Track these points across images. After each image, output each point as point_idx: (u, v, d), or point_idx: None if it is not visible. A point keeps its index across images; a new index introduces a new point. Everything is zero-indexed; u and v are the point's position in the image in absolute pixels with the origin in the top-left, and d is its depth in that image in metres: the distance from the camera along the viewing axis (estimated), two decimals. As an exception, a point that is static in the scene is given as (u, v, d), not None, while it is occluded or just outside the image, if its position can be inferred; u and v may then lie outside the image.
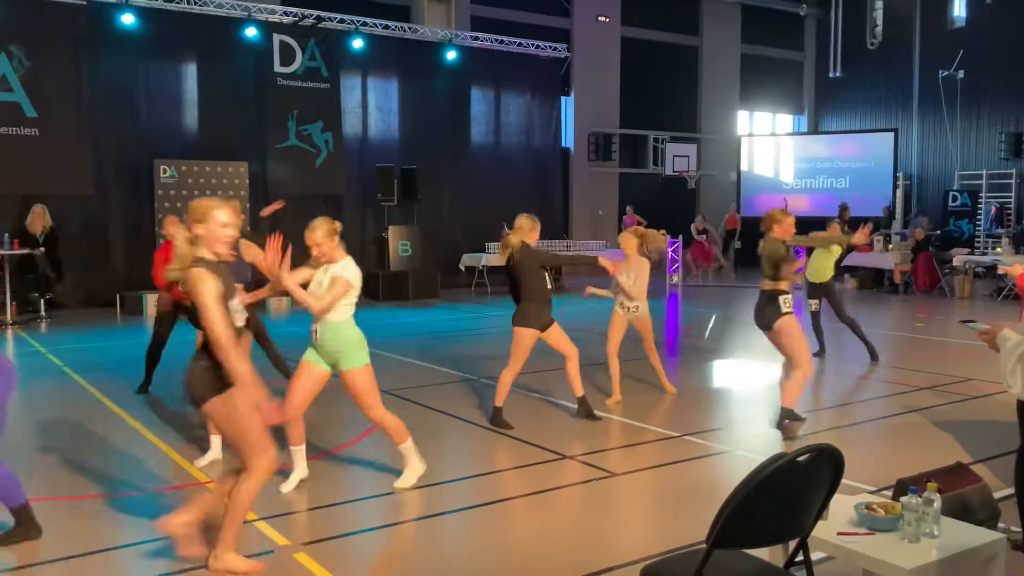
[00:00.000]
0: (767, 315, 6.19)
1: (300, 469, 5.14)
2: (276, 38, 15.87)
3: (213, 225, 3.78)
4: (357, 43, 16.80)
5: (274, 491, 5.02)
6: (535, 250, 6.46)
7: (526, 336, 6.34)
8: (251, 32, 15.62)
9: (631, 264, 7.20)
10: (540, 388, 7.80)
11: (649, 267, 7.29)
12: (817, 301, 9.43)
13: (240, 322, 3.87)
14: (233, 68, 15.72)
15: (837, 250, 9.28)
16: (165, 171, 14.37)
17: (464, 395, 7.62)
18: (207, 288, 3.64)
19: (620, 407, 7.12)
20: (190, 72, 15.53)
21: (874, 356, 9.15)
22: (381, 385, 7.89)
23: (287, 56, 16.00)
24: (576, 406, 6.78)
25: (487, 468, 5.54)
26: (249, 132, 15.70)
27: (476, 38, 18.48)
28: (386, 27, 17.23)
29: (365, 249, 17.14)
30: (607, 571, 3.90)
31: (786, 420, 6.20)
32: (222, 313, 3.66)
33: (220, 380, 3.72)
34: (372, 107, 17.54)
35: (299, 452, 5.15)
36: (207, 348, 3.75)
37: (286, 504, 4.81)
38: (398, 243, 16.22)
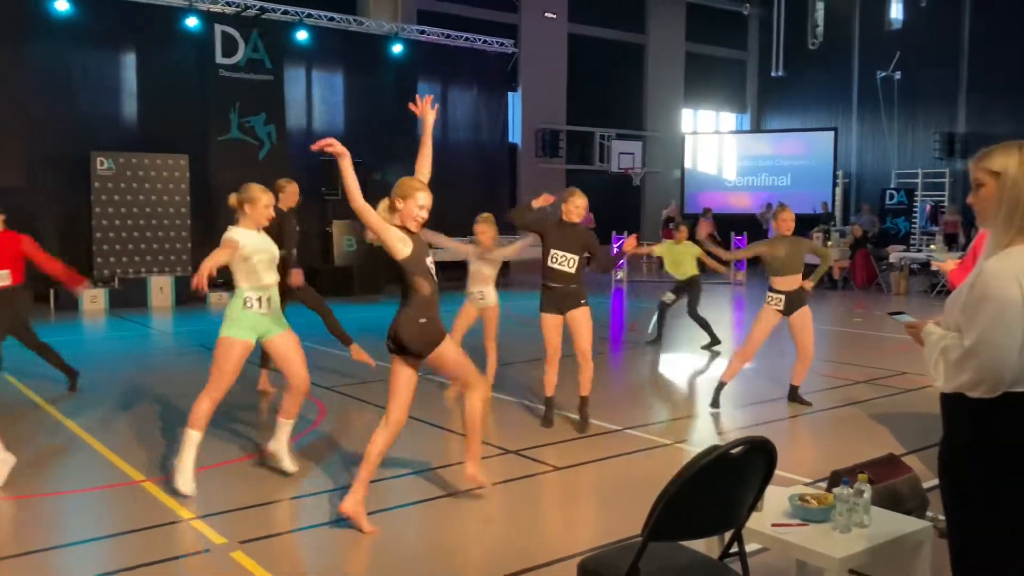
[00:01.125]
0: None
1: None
2: (218, 28, 15.57)
3: (412, 204, 4.33)
4: (301, 35, 16.59)
5: (209, 488, 4.94)
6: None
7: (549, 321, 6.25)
8: (192, 22, 15.30)
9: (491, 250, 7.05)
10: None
11: (498, 263, 7.14)
12: (674, 296, 10.17)
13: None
14: (173, 58, 15.39)
15: (696, 250, 9.96)
16: (102, 163, 14.02)
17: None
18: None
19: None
20: (128, 62, 15.17)
21: (715, 341, 9.82)
22: (323, 381, 7.85)
23: (229, 47, 15.71)
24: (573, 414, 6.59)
25: (428, 464, 5.51)
26: (190, 124, 15.38)
27: (423, 32, 18.38)
28: (331, 19, 17.04)
29: (309, 243, 16.91)
30: (546, 566, 3.91)
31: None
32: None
33: (437, 330, 4.37)
34: (317, 100, 17.33)
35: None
36: (411, 305, 4.29)
37: (223, 502, 4.73)
38: (343, 237, 16.07)
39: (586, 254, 6.24)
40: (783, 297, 6.75)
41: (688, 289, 10.02)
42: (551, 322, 6.17)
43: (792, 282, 6.76)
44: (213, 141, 15.60)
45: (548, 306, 6.16)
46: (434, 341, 4.36)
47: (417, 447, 5.91)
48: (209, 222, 15.83)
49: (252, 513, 4.60)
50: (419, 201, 4.34)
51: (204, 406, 4.88)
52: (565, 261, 6.07)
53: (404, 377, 4.39)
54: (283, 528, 4.42)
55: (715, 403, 6.92)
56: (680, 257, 10.00)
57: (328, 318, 7.46)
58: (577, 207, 6.13)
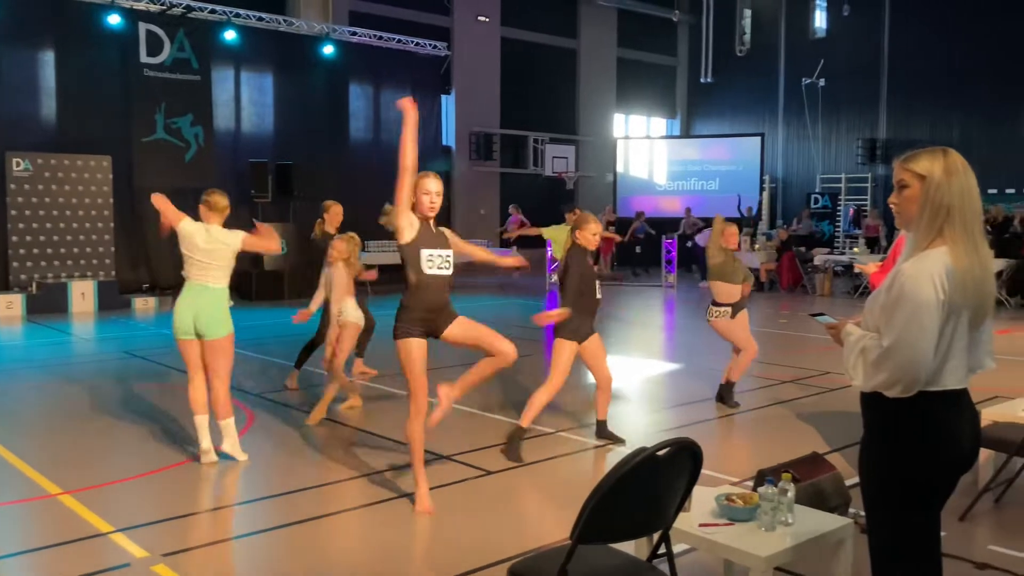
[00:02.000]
0: None
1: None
2: (142, 27, 15.17)
3: (420, 192, 4.52)
4: (229, 34, 16.26)
5: (130, 500, 4.79)
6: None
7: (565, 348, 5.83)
8: (115, 20, 14.87)
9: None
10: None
11: (345, 272, 6.83)
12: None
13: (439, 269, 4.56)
14: (95, 57, 14.93)
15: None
16: (18, 164, 13.53)
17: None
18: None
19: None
20: (47, 60, 14.65)
21: None
22: (252, 388, 7.69)
23: (154, 46, 15.31)
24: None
25: (361, 471, 5.44)
26: (113, 124, 14.94)
27: (354, 33, 18.21)
28: (260, 19, 16.75)
29: (238, 247, 16.61)
30: (477, 571, 3.89)
31: None
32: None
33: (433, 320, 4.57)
34: (246, 101, 17.01)
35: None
36: (405, 294, 4.53)
37: (145, 514, 4.59)
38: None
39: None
40: (730, 309, 7.01)
41: None
42: (569, 349, 5.81)
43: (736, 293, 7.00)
44: (137, 142, 15.19)
45: (567, 333, 5.78)
46: (430, 331, 4.59)
47: (354, 454, 5.83)
48: (132, 225, 15.44)
49: (175, 524, 4.47)
50: (425, 187, 4.53)
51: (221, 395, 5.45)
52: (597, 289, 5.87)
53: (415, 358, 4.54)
54: (208, 539, 4.30)
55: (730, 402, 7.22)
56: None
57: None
58: (595, 235, 5.80)
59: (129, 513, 4.58)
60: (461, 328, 4.68)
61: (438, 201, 4.58)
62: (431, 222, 4.63)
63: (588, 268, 5.81)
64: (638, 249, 21.15)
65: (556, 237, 9.93)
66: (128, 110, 15.19)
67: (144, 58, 15.22)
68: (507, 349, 4.67)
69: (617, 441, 5.98)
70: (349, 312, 6.73)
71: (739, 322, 7.07)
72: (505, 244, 19.60)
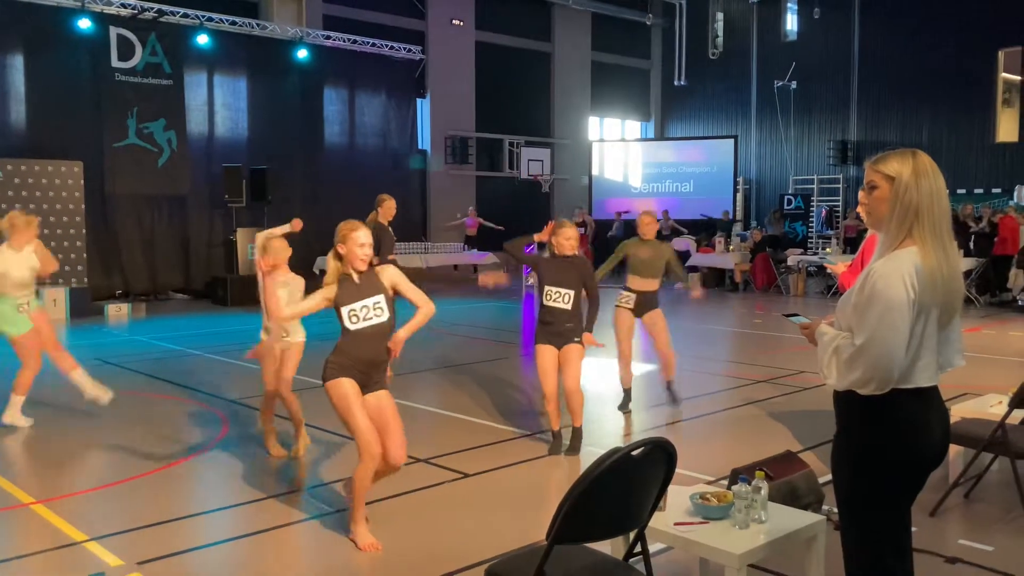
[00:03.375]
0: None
1: None
2: (113, 31, 15.03)
3: (352, 245, 4.18)
4: (202, 39, 16.15)
5: (105, 508, 4.75)
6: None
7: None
8: (85, 24, 14.72)
9: (285, 276, 5.76)
10: (398, 393, 7.70)
11: (302, 284, 5.89)
12: None
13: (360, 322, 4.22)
14: (66, 62, 14.77)
15: None
16: (-12, 170, 13.35)
17: (304, 402, 7.43)
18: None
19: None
20: (16, 64, 14.48)
21: None
22: (231, 395, 7.65)
23: (126, 50, 15.18)
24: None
25: (336, 476, 5.43)
26: (84, 130, 14.81)
27: (328, 37, 18.15)
28: (233, 23, 16.64)
29: (212, 252, 16.51)
30: (455, 572, 3.90)
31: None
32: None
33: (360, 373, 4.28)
34: (219, 105, 16.89)
35: None
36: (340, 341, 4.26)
37: (120, 522, 4.55)
38: (247, 246, 15.69)
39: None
40: (634, 296, 7.01)
41: None
42: (547, 354, 5.84)
43: (647, 284, 7.03)
44: (109, 148, 15.05)
45: (543, 339, 5.87)
46: (361, 383, 4.24)
47: (329, 459, 5.82)
48: (105, 231, 15.29)
49: (151, 532, 4.44)
50: (358, 240, 4.19)
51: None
52: (560, 297, 5.78)
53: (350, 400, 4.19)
54: (183, 546, 4.27)
55: (623, 406, 7.19)
56: None
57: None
58: (568, 239, 5.83)
59: (103, 521, 4.55)
60: (376, 403, 4.27)
61: (369, 253, 4.24)
62: (355, 275, 4.23)
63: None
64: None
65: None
66: (99, 115, 15.05)
67: (115, 63, 15.09)
68: (396, 455, 4.27)
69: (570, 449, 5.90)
70: (295, 334, 5.93)
71: (648, 321, 7.08)
72: (484, 246, 19.61)
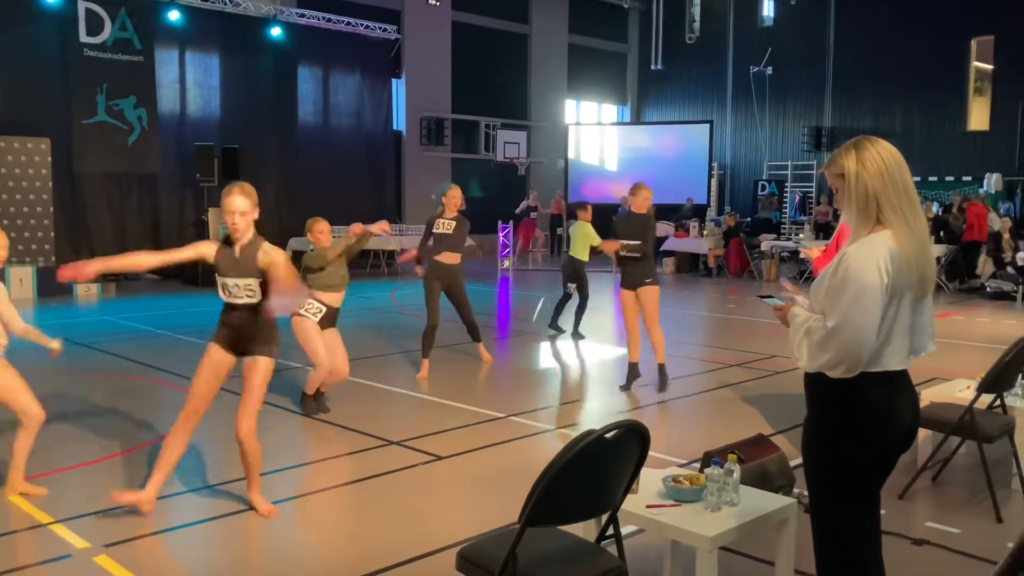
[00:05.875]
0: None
1: None
2: (81, 5, 14.76)
3: (223, 212, 4.18)
4: (173, 15, 15.90)
5: (71, 490, 4.68)
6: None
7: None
8: (52, -3, 14.43)
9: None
10: (372, 375, 7.68)
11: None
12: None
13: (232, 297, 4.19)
14: (32, 36, 14.49)
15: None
16: (-48, 146, 13.08)
17: (279, 384, 7.39)
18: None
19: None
20: (-19, 38, 14.18)
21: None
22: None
23: (94, 25, 14.91)
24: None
25: (309, 458, 5.39)
26: (52, 106, 14.54)
27: (302, 15, 17.93)
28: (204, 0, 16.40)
29: (183, 232, 16.31)
30: (427, 555, 3.89)
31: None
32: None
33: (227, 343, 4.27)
34: (191, 83, 16.65)
35: None
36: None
37: (86, 504, 4.49)
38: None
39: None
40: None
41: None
42: (627, 297, 7.02)
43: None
44: (78, 124, 14.81)
45: (624, 284, 7.06)
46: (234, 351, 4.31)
47: (302, 441, 5.78)
48: (73, 209, 15.04)
49: (117, 515, 4.37)
50: (227, 206, 4.16)
51: None
52: (633, 248, 6.92)
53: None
54: (150, 529, 4.22)
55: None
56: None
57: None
58: (646, 199, 7.01)
59: (70, 504, 4.48)
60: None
61: (241, 222, 4.11)
62: (238, 245, 4.16)
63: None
64: (560, 231, 21.34)
65: (576, 235, 9.79)
66: (68, 91, 14.79)
67: (84, 37, 14.82)
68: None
69: None
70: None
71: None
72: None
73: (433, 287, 7.65)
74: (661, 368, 7.24)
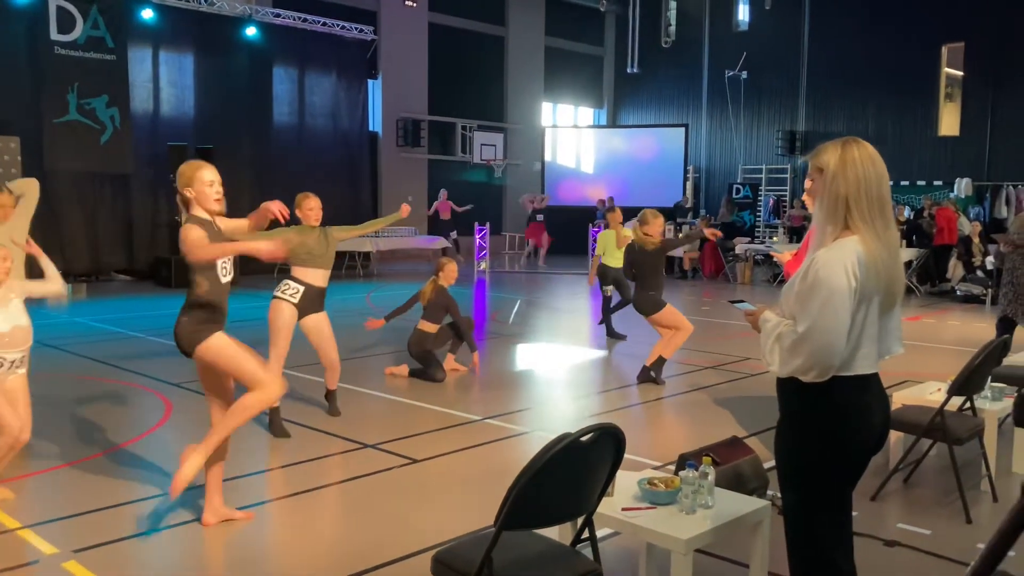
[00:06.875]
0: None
1: None
2: (52, 3, 14.55)
3: (200, 185, 3.97)
4: (147, 13, 15.73)
5: (39, 495, 4.61)
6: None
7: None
8: (22, -6, 14.23)
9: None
10: (345, 377, 7.62)
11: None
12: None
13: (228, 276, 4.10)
14: (1, 34, 14.26)
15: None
16: (-82, 144, 12.86)
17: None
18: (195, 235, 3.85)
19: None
20: (-52, 35, 13.95)
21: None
22: (175, 378, 7.49)
23: (66, 23, 14.71)
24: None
25: (283, 461, 5.35)
26: (21, 104, 14.33)
27: (278, 15, 17.82)
28: (179, -2, 16.23)
29: (156, 232, 16.16)
30: (403, 559, 3.87)
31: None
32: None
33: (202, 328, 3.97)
34: (164, 82, 16.48)
35: None
36: (188, 301, 4.02)
37: (54, 509, 4.42)
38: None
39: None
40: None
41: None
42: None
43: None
44: (48, 123, 14.60)
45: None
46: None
47: (277, 444, 5.73)
48: (45, 209, 14.81)
49: (87, 520, 4.32)
50: (205, 179, 3.98)
51: None
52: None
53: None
54: (121, 534, 4.17)
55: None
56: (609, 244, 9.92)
57: None
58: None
59: (37, 509, 4.42)
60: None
61: (220, 190, 4.05)
62: (215, 220, 4.08)
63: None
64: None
65: (607, 244, 9.80)
66: (38, 90, 14.58)
67: (55, 35, 14.62)
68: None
69: None
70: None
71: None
72: (435, 231, 19.46)
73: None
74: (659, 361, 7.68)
